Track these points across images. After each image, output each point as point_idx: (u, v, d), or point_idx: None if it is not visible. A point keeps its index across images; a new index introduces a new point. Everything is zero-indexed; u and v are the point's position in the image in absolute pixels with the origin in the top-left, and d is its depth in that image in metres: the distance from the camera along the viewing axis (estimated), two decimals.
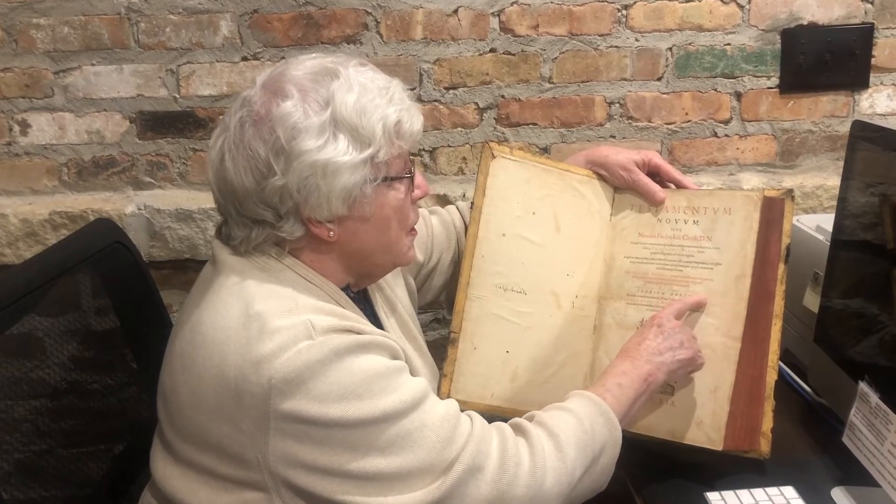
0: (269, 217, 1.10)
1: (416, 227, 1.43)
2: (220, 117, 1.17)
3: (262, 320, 1.04)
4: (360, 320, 1.13)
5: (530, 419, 1.16)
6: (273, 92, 1.09)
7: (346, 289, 1.20)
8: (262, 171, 1.07)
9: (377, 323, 1.28)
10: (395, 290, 1.37)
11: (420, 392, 1.08)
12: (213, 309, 1.09)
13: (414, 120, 1.15)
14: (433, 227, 1.50)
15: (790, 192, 1.33)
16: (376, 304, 1.31)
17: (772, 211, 1.32)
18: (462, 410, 1.14)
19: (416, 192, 1.20)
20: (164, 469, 1.12)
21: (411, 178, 1.18)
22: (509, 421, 1.16)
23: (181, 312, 1.18)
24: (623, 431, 1.19)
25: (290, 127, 1.06)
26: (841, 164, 1.38)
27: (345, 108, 1.08)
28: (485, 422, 1.13)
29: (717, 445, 1.25)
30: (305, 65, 1.12)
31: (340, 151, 1.07)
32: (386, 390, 1.04)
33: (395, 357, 1.11)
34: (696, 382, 1.29)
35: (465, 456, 1.06)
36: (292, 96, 1.07)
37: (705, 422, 1.27)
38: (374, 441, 1.03)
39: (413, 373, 1.25)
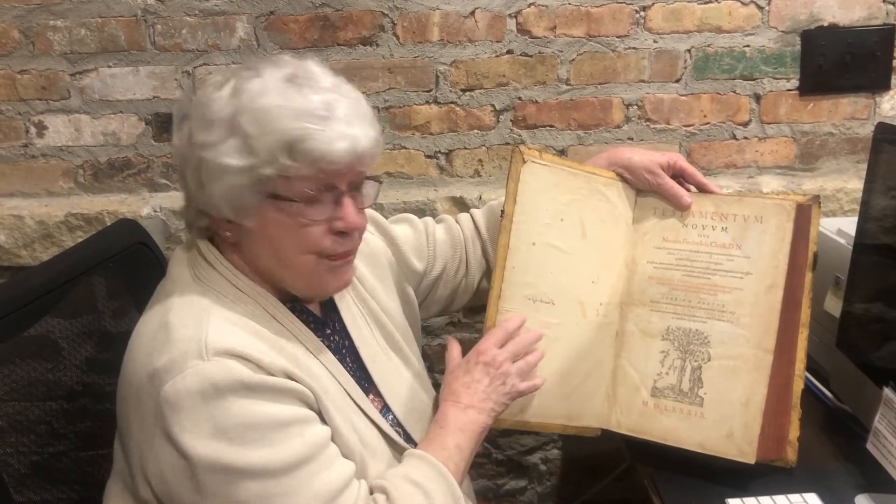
0: (186, 200, 1.13)
1: (410, 236, 1.42)
2: None
3: (168, 330, 1.03)
4: (276, 345, 1.07)
5: (383, 491, 1.08)
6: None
7: (293, 300, 1.16)
8: (182, 156, 1.11)
9: (344, 333, 1.25)
10: (381, 301, 1.33)
11: (301, 456, 1.01)
12: (144, 316, 1.10)
13: (327, 147, 1.03)
14: (436, 235, 1.47)
15: (817, 198, 1.30)
16: (348, 316, 1.26)
17: (801, 218, 1.30)
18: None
19: (338, 224, 1.10)
20: (110, 478, 1.14)
21: (303, 203, 1.06)
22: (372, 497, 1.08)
23: None
24: (649, 442, 1.17)
25: (198, 116, 1.08)
26: (861, 166, 1.36)
27: (248, 108, 1.04)
28: (368, 499, 1.07)
29: (750, 459, 1.23)
30: (280, 61, 1.11)
31: (222, 153, 1.04)
32: (260, 442, 0.98)
33: (303, 401, 1.05)
34: (727, 394, 1.26)
35: None
36: (208, 87, 1.10)
37: (737, 434, 1.24)
38: (232, 492, 0.98)
39: (392, 388, 1.24)
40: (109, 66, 1.83)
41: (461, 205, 1.86)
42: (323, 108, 1.04)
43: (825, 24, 1.86)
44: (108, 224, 1.78)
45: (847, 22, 1.86)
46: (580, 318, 1.35)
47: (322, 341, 1.17)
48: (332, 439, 1.08)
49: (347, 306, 1.27)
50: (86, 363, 1.30)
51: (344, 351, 1.23)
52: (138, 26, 1.81)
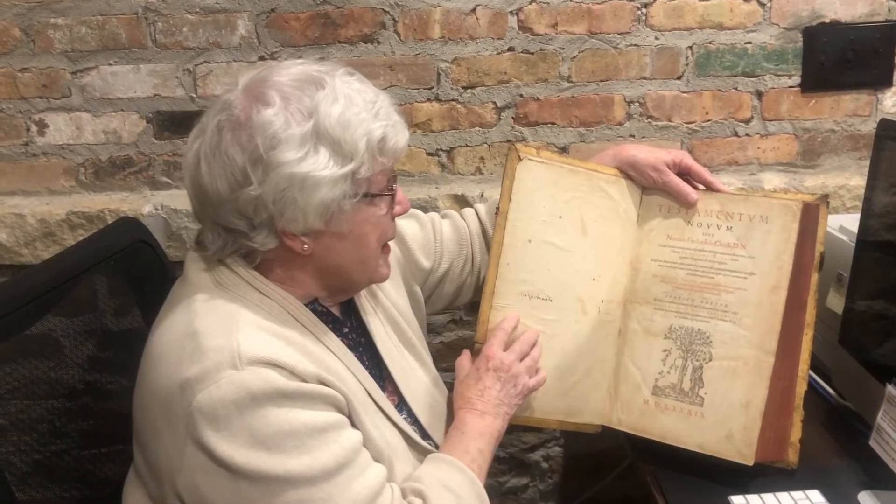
0: (243, 227, 1.07)
1: (418, 234, 1.42)
2: (197, 118, 1.13)
3: (197, 339, 1.01)
4: (306, 351, 1.07)
5: (420, 496, 1.09)
6: (255, 97, 1.05)
7: (313, 302, 1.17)
8: (237, 180, 1.04)
9: (363, 332, 1.25)
10: (392, 298, 1.33)
11: (338, 461, 1.01)
12: (164, 324, 1.09)
13: (399, 136, 1.11)
14: (443, 232, 1.47)
15: (825, 197, 1.30)
16: (364, 312, 1.27)
17: (807, 218, 1.29)
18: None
19: (397, 209, 1.17)
20: (128, 479, 1.13)
21: (392, 196, 1.15)
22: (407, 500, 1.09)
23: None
24: (651, 440, 1.18)
25: (270, 136, 1.02)
26: (863, 163, 1.36)
27: (328, 120, 1.04)
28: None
29: (749, 460, 1.23)
30: (290, 71, 1.09)
31: (320, 165, 1.03)
32: (298, 450, 0.99)
33: (335, 406, 1.06)
34: (727, 395, 1.26)
35: None
36: (274, 104, 1.04)
37: (736, 436, 1.25)
38: (272, 501, 0.98)
39: (408, 385, 1.25)
40: (110, 64, 1.83)
41: (463, 202, 1.86)
42: (380, 104, 1.10)
43: (827, 20, 1.85)
44: (110, 222, 1.78)
45: (849, 18, 1.85)
46: (580, 315, 1.35)
47: (342, 340, 1.17)
48: (363, 443, 1.08)
49: (363, 304, 1.28)
50: (87, 361, 1.30)
51: (361, 349, 1.23)
52: (139, 24, 1.81)
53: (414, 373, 1.29)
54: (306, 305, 1.14)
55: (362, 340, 1.25)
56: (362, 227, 1.11)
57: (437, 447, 1.23)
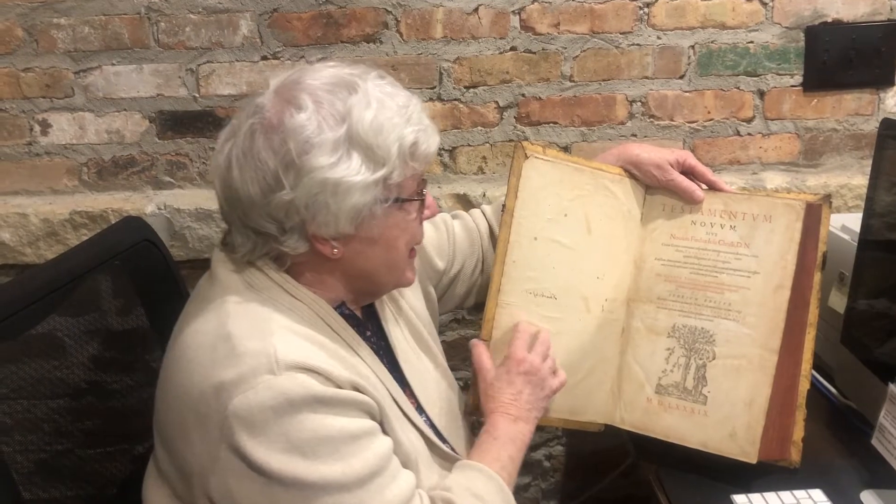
0: (273, 230, 1.06)
1: (432, 235, 1.42)
2: (228, 118, 1.12)
3: (231, 342, 1.01)
4: (338, 356, 1.07)
5: (447, 503, 1.09)
6: (287, 100, 1.05)
7: (341, 306, 1.16)
8: (269, 184, 1.03)
9: (382, 337, 1.25)
10: (409, 299, 1.33)
11: (372, 468, 1.01)
12: (194, 324, 1.07)
13: (431, 141, 1.11)
14: (455, 233, 1.47)
15: (828, 197, 1.30)
16: (383, 317, 1.27)
17: (810, 218, 1.30)
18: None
19: (426, 213, 1.18)
20: (147, 479, 1.12)
21: (422, 201, 1.15)
22: None
23: (176, 323, 1.15)
24: (652, 437, 1.18)
25: (303, 140, 1.02)
26: (865, 162, 1.37)
27: (361, 125, 1.04)
28: None
29: (752, 459, 1.24)
30: (323, 74, 1.08)
31: (353, 170, 1.03)
32: (333, 456, 0.99)
33: (367, 413, 1.06)
34: (731, 393, 1.27)
35: None
36: (307, 108, 1.03)
37: (739, 434, 1.25)
38: None
39: (425, 390, 1.24)
40: (113, 64, 1.83)
41: (465, 202, 1.86)
42: (412, 108, 1.09)
43: (829, 19, 1.85)
44: (113, 222, 1.78)
45: (851, 18, 1.85)
46: (584, 314, 1.35)
47: (365, 343, 1.17)
48: (393, 450, 1.08)
49: (382, 306, 1.28)
50: (91, 361, 1.31)
51: (381, 352, 1.22)
52: (142, 24, 1.81)
53: (429, 375, 1.29)
54: (335, 309, 1.14)
55: (382, 344, 1.25)
56: (392, 231, 1.11)
57: (453, 450, 1.23)
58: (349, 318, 1.17)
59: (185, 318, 1.12)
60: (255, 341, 1.00)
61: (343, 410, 1.02)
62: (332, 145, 1.03)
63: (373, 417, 1.07)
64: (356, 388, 1.05)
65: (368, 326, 1.23)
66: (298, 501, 0.97)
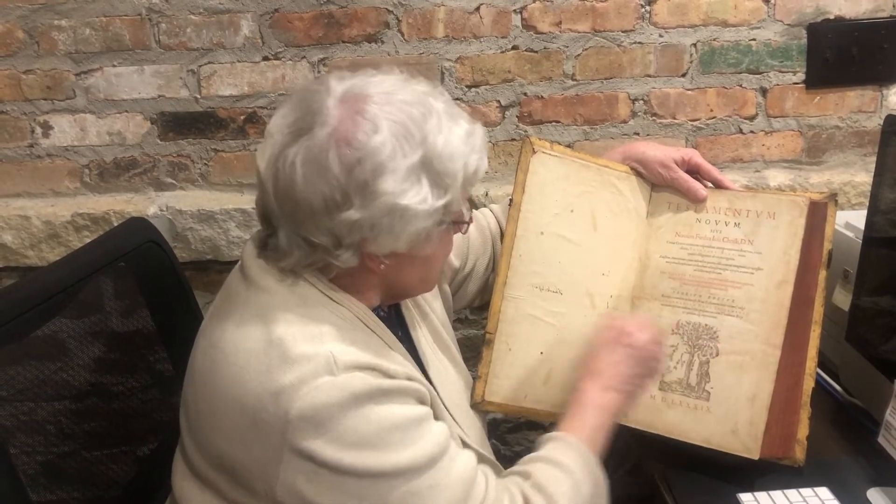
0: (329, 244, 1.04)
1: None
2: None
3: (284, 347, 1.00)
4: (385, 355, 1.08)
5: (526, 477, 1.10)
6: (356, 112, 1.01)
7: (376, 309, 1.17)
8: (336, 200, 1.00)
9: (408, 339, 1.26)
10: (428, 300, 1.33)
11: (438, 448, 1.03)
12: (235, 327, 1.05)
13: (483, 165, 1.11)
14: (470, 231, 1.46)
15: (833, 195, 1.30)
16: (408, 317, 1.28)
17: (815, 215, 1.29)
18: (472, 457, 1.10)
19: (462, 228, 1.17)
20: (182, 481, 1.10)
21: (469, 223, 1.16)
22: (508, 478, 1.11)
23: (205, 322, 1.14)
24: (657, 437, 1.17)
25: (378, 164, 0.99)
26: (868, 160, 1.36)
27: (435, 151, 1.02)
28: (499, 482, 1.09)
29: (754, 455, 1.23)
30: (394, 88, 1.05)
31: (421, 197, 1.02)
32: (403, 443, 1.00)
33: (420, 401, 1.08)
34: (734, 388, 1.26)
35: None
36: (383, 130, 1.00)
37: (741, 430, 1.24)
38: (384, 496, 0.99)
39: (446, 390, 1.24)
40: (114, 66, 1.83)
41: (471, 202, 1.86)
42: (477, 136, 1.09)
43: (831, 16, 1.85)
44: (115, 224, 1.78)
45: (853, 14, 1.85)
46: (589, 310, 1.35)
47: (400, 343, 1.18)
48: None
49: (406, 308, 1.28)
50: (94, 363, 1.30)
51: (409, 352, 1.22)
52: (143, 25, 1.81)
53: (449, 375, 1.29)
54: (372, 311, 1.15)
55: (408, 345, 1.24)
56: (439, 251, 1.13)
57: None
58: (384, 320, 1.18)
59: (218, 322, 1.09)
60: (308, 346, 1.00)
61: (403, 399, 1.04)
62: (405, 172, 1.01)
63: (425, 405, 1.09)
64: (409, 379, 1.07)
65: (397, 327, 1.24)
66: (376, 492, 0.99)
